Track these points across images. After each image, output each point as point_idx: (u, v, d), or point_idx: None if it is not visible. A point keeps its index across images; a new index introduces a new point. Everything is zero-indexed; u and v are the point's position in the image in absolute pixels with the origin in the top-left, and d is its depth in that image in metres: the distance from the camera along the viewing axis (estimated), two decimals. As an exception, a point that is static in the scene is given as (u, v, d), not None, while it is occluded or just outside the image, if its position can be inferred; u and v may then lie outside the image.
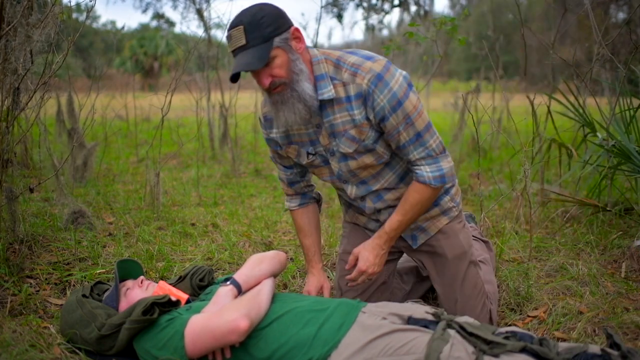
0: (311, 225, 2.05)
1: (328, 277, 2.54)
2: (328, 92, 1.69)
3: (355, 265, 1.85)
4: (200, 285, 2.00)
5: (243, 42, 1.57)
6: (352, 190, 1.88)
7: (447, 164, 1.76)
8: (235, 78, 1.62)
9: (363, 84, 1.65)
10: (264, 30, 1.57)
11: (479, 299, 1.94)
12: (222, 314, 1.52)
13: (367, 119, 1.69)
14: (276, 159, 1.98)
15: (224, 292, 1.67)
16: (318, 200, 2.10)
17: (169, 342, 1.56)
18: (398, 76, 1.67)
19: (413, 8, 8.70)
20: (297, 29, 1.64)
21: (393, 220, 1.81)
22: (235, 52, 1.60)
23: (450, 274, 1.94)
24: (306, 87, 1.65)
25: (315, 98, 1.68)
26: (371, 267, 1.82)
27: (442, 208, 1.93)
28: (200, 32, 8.28)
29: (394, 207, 1.87)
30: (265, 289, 1.68)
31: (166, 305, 1.68)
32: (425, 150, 1.72)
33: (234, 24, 1.58)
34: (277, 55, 1.60)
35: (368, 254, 1.82)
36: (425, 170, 1.74)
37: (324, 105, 1.72)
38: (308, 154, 1.85)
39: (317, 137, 1.80)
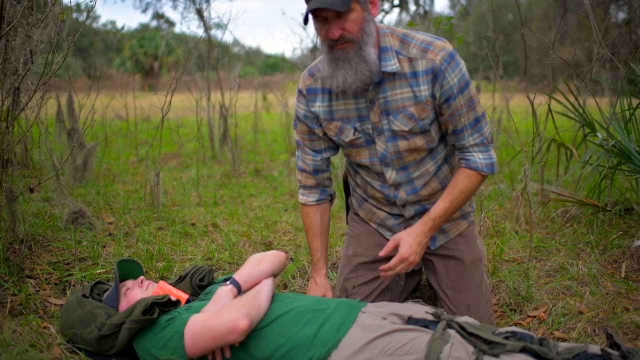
0: (323, 226, 1.98)
1: (328, 277, 2.54)
2: (392, 65, 1.65)
3: (391, 255, 1.76)
4: (200, 285, 2.00)
5: None
6: (391, 175, 1.82)
7: (494, 153, 1.77)
8: (307, 19, 1.57)
9: (436, 60, 1.63)
10: None
11: (488, 306, 1.93)
12: (221, 314, 1.52)
13: (433, 96, 1.67)
14: (305, 142, 1.90)
15: (223, 292, 1.67)
16: (332, 200, 2.04)
17: (169, 342, 1.56)
18: (462, 61, 1.69)
19: (412, 8, 8.70)
20: None
21: (439, 207, 1.75)
22: None
23: (466, 278, 1.90)
24: (372, 51, 1.61)
25: (378, 66, 1.64)
26: (413, 255, 1.71)
27: (463, 211, 1.93)
28: (200, 32, 8.29)
29: (421, 203, 1.87)
30: (265, 289, 1.68)
31: (166, 305, 1.68)
32: (480, 137, 1.74)
33: None
34: (355, 10, 1.56)
35: (412, 241, 1.72)
36: (478, 157, 1.74)
37: (383, 79, 1.68)
38: (355, 130, 1.78)
39: (368, 113, 1.74)
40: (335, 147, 1.92)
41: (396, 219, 1.94)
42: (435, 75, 1.65)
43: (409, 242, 1.72)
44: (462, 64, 1.67)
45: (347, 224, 2.16)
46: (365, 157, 1.83)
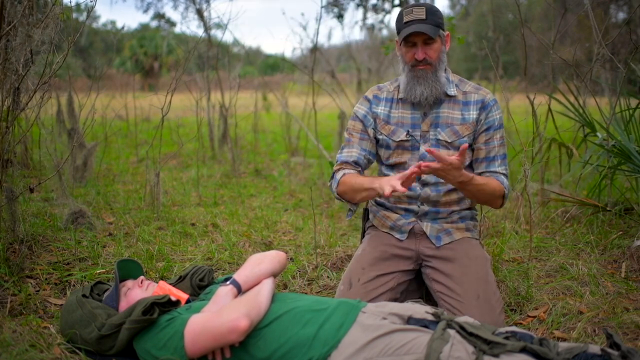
0: (357, 176, 2.07)
1: (328, 277, 2.54)
2: (452, 90, 2.07)
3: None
4: (200, 285, 2.00)
5: (423, 17, 1.96)
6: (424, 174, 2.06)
7: None
8: (407, 38, 1.97)
9: (486, 96, 2.08)
10: (438, 18, 2.00)
11: (499, 304, 1.94)
12: (221, 314, 1.53)
13: (477, 121, 2.06)
14: (354, 138, 2.15)
15: (223, 292, 1.67)
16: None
17: (169, 342, 1.56)
18: None
19: (413, 8, 8.67)
20: (449, 35, 2.08)
21: (477, 177, 1.94)
22: (411, 22, 1.97)
23: (472, 271, 1.97)
24: (442, 76, 2.04)
25: (446, 86, 2.05)
26: (448, 170, 1.80)
27: (467, 226, 2.14)
28: (200, 32, 8.29)
29: (437, 205, 2.08)
30: (265, 289, 1.68)
31: (166, 305, 1.68)
32: (506, 169, 2.10)
33: (417, 4, 2.00)
34: (437, 42, 2.00)
35: (458, 172, 1.83)
36: (505, 182, 2.06)
37: (441, 100, 2.06)
38: (407, 133, 2.09)
39: (420, 122, 2.08)
40: (376, 154, 2.18)
41: (407, 218, 2.11)
42: (483, 106, 2.06)
43: (456, 167, 1.82)
44: (501, 109, 2.12)
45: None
46: (405, 158, 2.11)
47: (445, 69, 2.09)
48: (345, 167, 2.13)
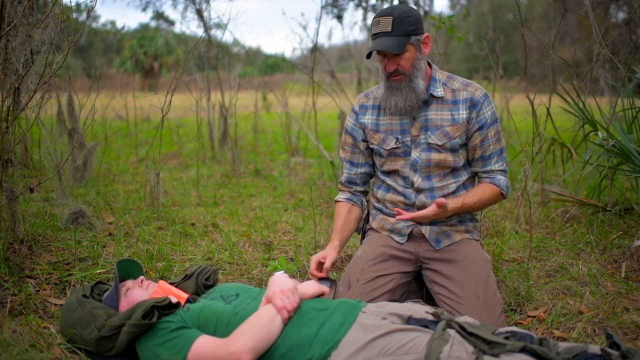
0: (349, 215, 2.17)
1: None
2: (438, 91, 2.02)
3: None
4: (205, 285, 2.01)
5: (389, 29, 1.90)
6: (417, 180, 2.06)
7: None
8: (370, 55, 1.93)
9: (475, 93, 2.01)
10: (407, 26, 1.90)
11: (499, 305, 1.94)
12: (228, 345, 1.51)
13: (468, 121, 2.01)
14: (346, 154, 2.20)
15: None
16: (362, 209, 2.23)
17: (172, 355, 1.56)
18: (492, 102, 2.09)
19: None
20: (428, 36, 1.99)
21: (468, 200, 1.98)
22: (378, 34, 1.92)
23: (472, 273, 1.97)
24: (420, 83, 1.97)
25: (425, 93, 1.99)
26: (428, 219, 1.93)
27: (467, 228, 2.12)
28: (200, 32, 8.29)
29: None
30: (279, 320, 1.59)
31: (166, 308, 1.67)
32: (503, 164, 2.07)
33: (385, 13, 1.92)
34: (409, 50, 1.93)
35: (437, 214, 1.92)
36: (502, 180, 2.05)
37: (429, 101, 2.02)
38: (397, 140, 2.07)
39: (410, 127, 2.05)
40: (372, 164, 2.19)
41: (406, 222, 2.09)
42: (473, 105, 2.00)
43: (435, 212, 1.91)
44: (493, 104, 2.06)
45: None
46: (398, 164, 2.09)
47: (431, 66, 2.05)
48: (343, 189, 2.24)
